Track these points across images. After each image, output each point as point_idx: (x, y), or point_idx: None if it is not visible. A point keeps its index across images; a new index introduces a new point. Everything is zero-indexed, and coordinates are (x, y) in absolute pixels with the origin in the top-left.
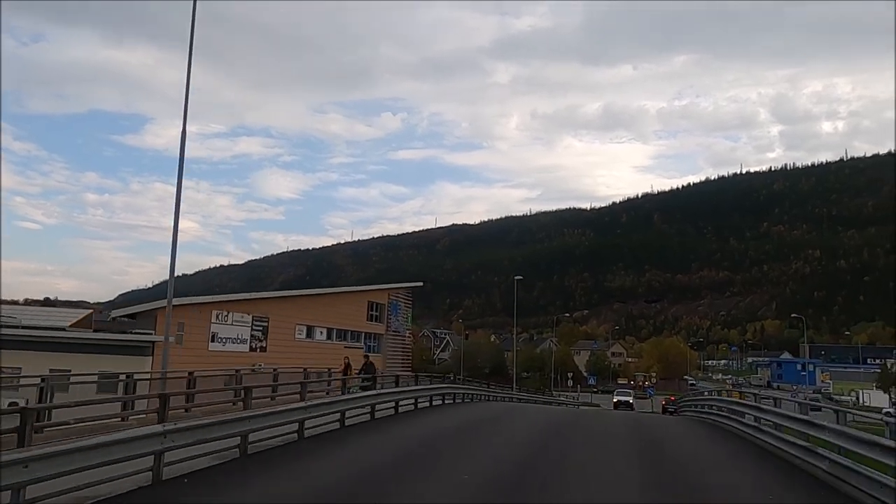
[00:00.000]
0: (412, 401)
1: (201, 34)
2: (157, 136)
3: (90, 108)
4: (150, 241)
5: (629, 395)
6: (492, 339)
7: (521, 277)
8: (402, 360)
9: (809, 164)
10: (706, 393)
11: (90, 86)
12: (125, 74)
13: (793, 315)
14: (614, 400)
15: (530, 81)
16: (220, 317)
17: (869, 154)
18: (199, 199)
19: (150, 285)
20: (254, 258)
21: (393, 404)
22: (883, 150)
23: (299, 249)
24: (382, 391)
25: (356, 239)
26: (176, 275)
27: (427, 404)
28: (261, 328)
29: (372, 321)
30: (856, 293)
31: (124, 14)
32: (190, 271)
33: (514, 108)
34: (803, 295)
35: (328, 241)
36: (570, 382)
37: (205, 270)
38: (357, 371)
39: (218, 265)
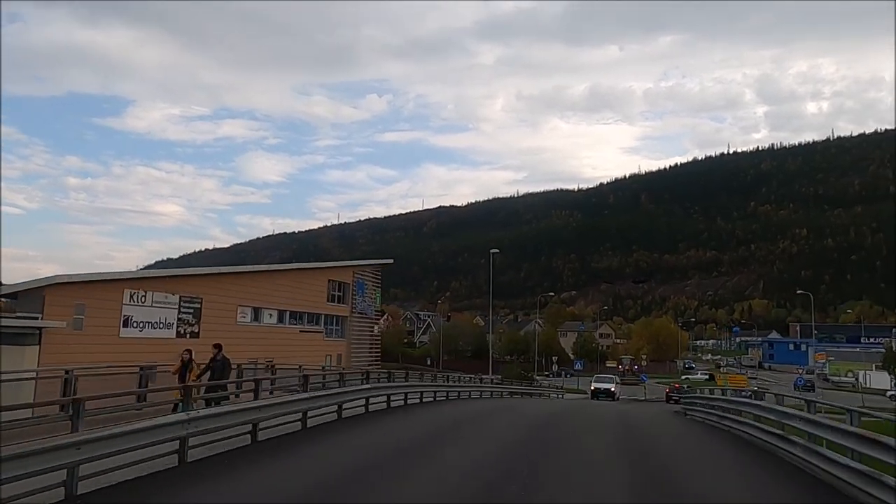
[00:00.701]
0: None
1: (182, 14)
2: (138, 119)
3: (69, 91)
4: (134, 225)
5: (610, 381)
6: (475, 321)
7: (497, 251)
8: (370, 345)
9: (796, 143)
10: (714, 392)
11: (68, 68)
12: (103, 56)
13: (799, 292)
14: (591, 387)
15: (515, 62)
16: (135, 297)
17: (855, 133)
18: (184, 183)
19: (135, 269)
20: (239, 242)
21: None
22: (868, 130)
23: (285, 233)
24: (284, 399)
25: (343, 221)
26: (160, 259)
27: (384, 405)
28: (191, 310)
29: (334, 302)
30: (843, 272)
31: None
32: (175, 255)
33: (499, 90)
34: (790, 274)
35: (315, 225)
36: (555, 366)
37: (189, 254)
38: (202, 369)
39: (203, 249)
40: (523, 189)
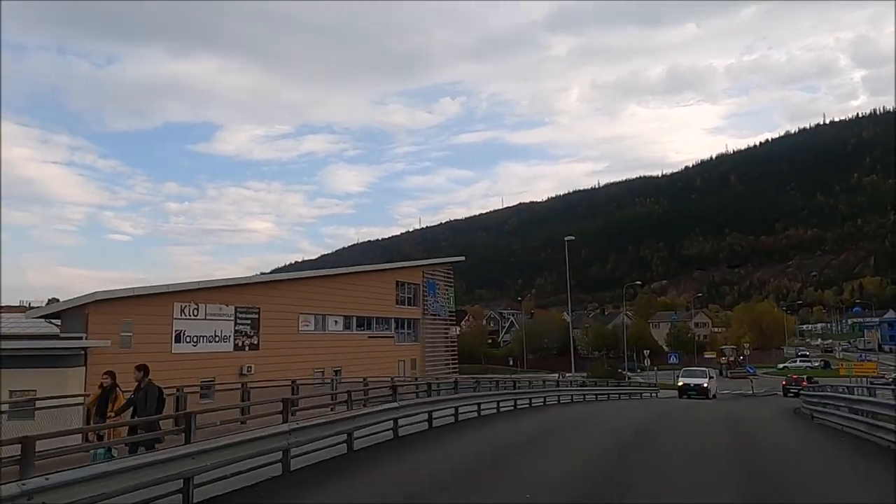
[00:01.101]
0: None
1: (261, 38)
2: (226, 143)
3: (164, 121)
4: (230, 243)
5: (701, 375)
6: (562, 317)
7: (572, 237)
8: (446, 347)
9: None
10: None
11: (162, 100)
12: (192, 85)
13: None
14: (679, 383)
15: (588, 51)
16: (186, 310)
17: None
18: (272, 200)
19: None
20: (326, 252)
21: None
22: None
23: (369, 241)
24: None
25: (424, 226)
26: (251, 274)
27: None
28: (248, 321)
29: (404, 304)
30: None
31: (186, 26)
32: (267, 269)
33: (573, 81)
34: None
35: (398, 231)
36: (647, 361)
37: (280, 268)
38: (124, 402)
39: (293, 262)
40: (604, 179)
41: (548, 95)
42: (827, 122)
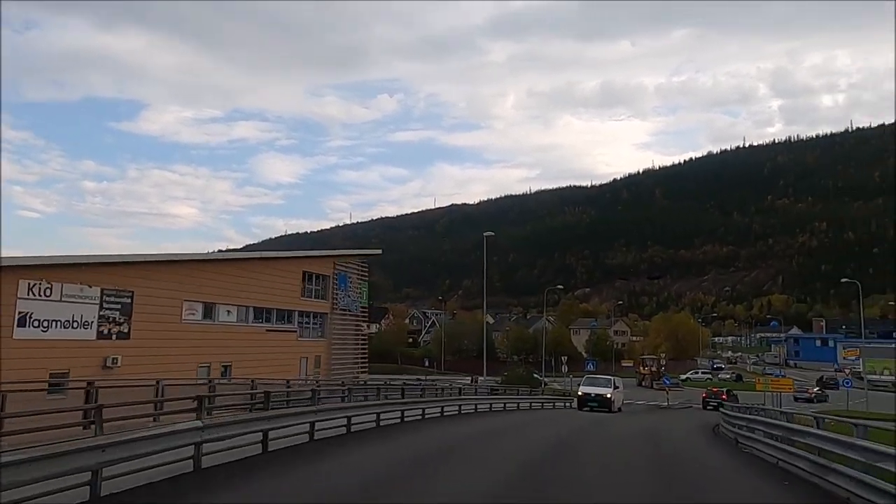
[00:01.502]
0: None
1: (194, 17)
2: (152, 122)
3: (85, 95)
4: (150, 227)
5: (606, 385)
6: (486, 320)
7: (491, 234)
8: (356, 346)
9: (813, 135)
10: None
11: (85, 72)
12: (118, 60)
13: (843, 280)
14: (579, 393)
15: (526, 58)
16: (36, 289)
17: (874, 125)
18: (198, 185)
19: None
20: (252, 242)
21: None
22: (888, 121)
23: (298, 233)
24: None
25: (355, 221)
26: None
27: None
28: (118, 305)
29: (311, 297)
30: (865, 265)
31: None
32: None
33: (511, 87)
34: (810, 268)
35: (328, 225)
36: (565, 367)
37: (202, 255)
38: None
39: (217, 250)
40: (536, 186)
41: (485, 100)
42: (746, 145)
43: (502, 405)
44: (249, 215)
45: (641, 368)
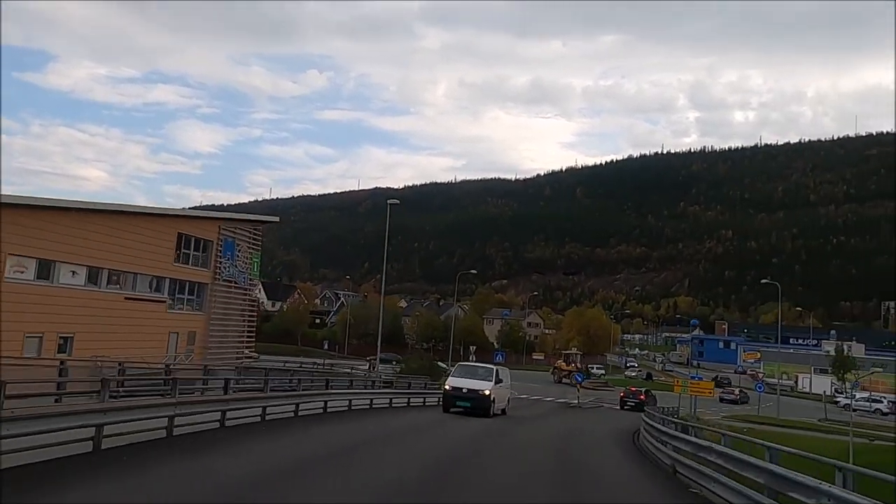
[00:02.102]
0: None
1: None
2: (62, 77)
3: None
4: (54, 188)
5: (485, 377)
6: (399, 303)
7: (396, 202)
8: (241, 323)
9: (726, 147)
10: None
11: None
12: (27, 6)
13: (763, 280)
14: (446, 387)
15: (460, 49)
16: None
17: (781, 142)
18: (109, 148)
19: None
20: None
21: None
22: (793, 140)
23: (213, 205)
24: None
25: (275, 197)
26: None
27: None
28: None
29: (187, 263)
30: (764, 274)
31: None
32: None
33: (442, 75)
34: (715, 273)
35: (246, 199)
36: (473, 357)
37: None
38: None
39: None
40: (461, 177)
41: (416, 85)
42: (664, 152)
43: (388, 401)
44: (163, 183)
45: (563, 364)
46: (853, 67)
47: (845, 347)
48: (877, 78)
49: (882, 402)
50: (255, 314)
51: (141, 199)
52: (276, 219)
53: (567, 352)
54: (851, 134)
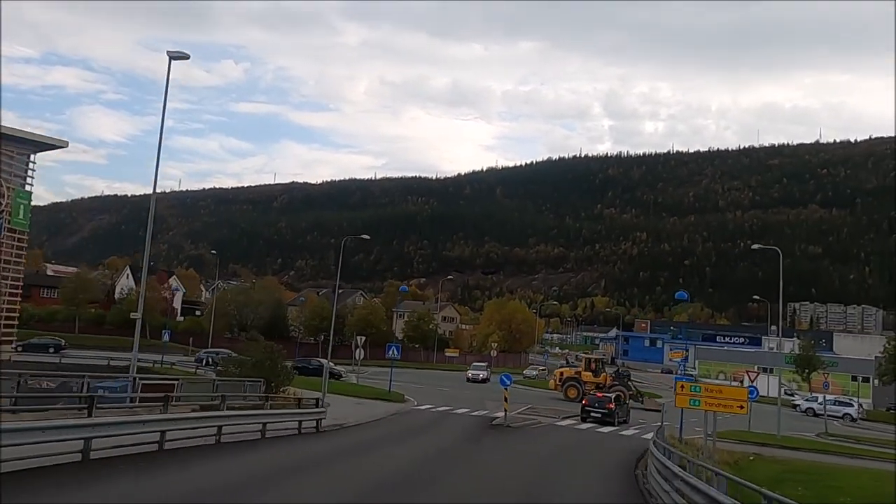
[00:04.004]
0: None
1: None
2: None
3: None
4: None
5: None
6: (284, 293)
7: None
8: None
9: (641, 153)
10: None
11: None
12: None
13: (755, 246)
14: None
15: (380, 47)
16: None
17: (691, 150)
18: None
19: None
20: (60, 201)
21: None
22: (703, 148)
23: (116, 195)
24: None
25: (184, 189)
26: None
27: None
28: None
29: None
30: (677, 275)
31: None
32: None
33: (363, 73)
34: (630, 274)
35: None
36: (360, 352)
37: None
38: None
39: None
40: (381, 175)
41: (336, 81)
42: (582, 155)
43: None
44: (63, 172)
45: (588, 374)
46: (752, 85)
47: (822, 342)
48: (773, 95)
49: (852, 405)
50: (18, 281)
51: (39, 189)
52: (65, 142)
53: (589, 356)
54: (756, 145)
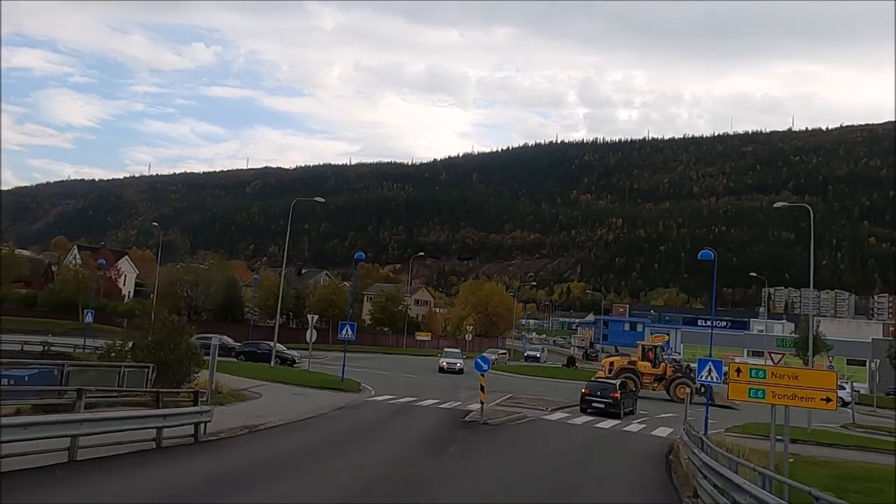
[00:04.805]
0: None
1: None
2: None
3: None
4: None
5: None
6: (252, 274)
7: None
8: None
9: (616, 140)
10: None
11: None
12: None
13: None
14: None
15: (355, 32)
16: None
17: (666, 137)
18: None
19: None
20: (25, 185)
21: None
22: (678, 136)
23: (84, 180)
24: None
25: (154, 174)
26: None
27: None
28: None
29: None
30: (652, 261)
31: None
32: None
33: (337, 57)
34: (605, 260)
35: (122, 175)
36: (312, 334)
37: None
38: None
39: None
40: (357, 161)
41: (310, 66)
42: (558, 141)
43: None
44: (29, 156)
45: (643, 365)
46: (725, 74)
47: (815, 324)
48: (745, 85)
49: (844, 388)
50: None
51: (5, 174)
52: None
53: (646, 343)
54: (730, 132)
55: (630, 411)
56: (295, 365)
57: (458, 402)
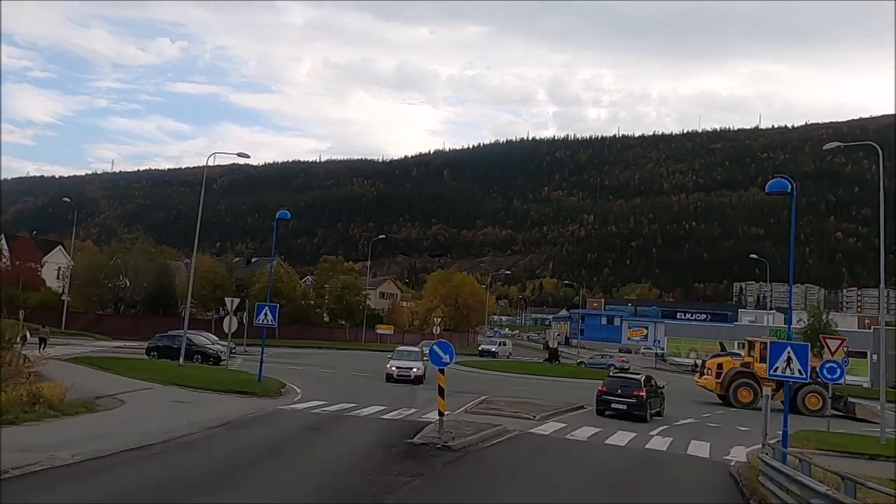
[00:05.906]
0: None
1: None
2: None
3: None
4: None
5: None
6: (177, 260)
7: None
8: None
9: (587, 136)
10: None
11: None
12: None
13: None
14: None
15: (324, 28)
16: None
17: (637, 134)
18: None
19: None
20: None
21: None
22: (647, 133)
23: (44, 177)
24: None
25: (117, 171)
26: None
27: None
28: None
29: None
30: (624, 256)
31: None
32: None
33: (306, 54)
34: (577, 256)
35: (84, 173)
36: (233, 322)
37: None
38: None
39: None
40: (326, 158)
41: (278, 62)
42: (529, 138)
43: None
44: None
45: (756, 365)
46: (691, 73)
47: (824, 315)
48: (711, 84)
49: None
50: None
51: None
52: None
53: (753, 338)
54: (699, 129)
55: (657, 412)
56: (220, 363)
57: (413, 410)
